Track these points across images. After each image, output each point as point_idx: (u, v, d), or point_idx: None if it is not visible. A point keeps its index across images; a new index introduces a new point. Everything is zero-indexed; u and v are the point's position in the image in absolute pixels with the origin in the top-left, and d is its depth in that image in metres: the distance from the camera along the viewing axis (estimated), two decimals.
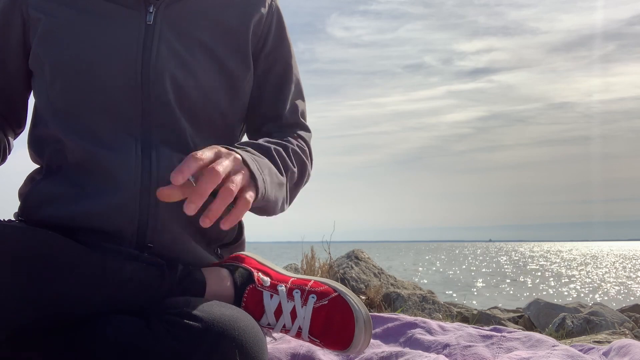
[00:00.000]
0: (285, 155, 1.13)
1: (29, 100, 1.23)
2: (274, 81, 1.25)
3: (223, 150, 0.93)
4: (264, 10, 1.22)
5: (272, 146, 1.11)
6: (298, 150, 1.19)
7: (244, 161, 0.95)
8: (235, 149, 0.96)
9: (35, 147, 1.15)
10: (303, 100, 1.30)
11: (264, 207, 1.05)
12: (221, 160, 0.89)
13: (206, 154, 0.89)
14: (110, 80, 1.07)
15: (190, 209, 0.82)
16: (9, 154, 1.26)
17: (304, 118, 1.29)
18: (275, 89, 1.25)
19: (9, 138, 1.25)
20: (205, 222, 0.84)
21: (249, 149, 1.03)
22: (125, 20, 1.09)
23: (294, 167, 1.15)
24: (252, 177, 0.94)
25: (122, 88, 1.07)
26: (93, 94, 1.07)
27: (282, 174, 1.08)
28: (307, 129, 1.28)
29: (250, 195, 0.92)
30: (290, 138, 1.21)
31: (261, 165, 0.99)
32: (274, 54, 1.24)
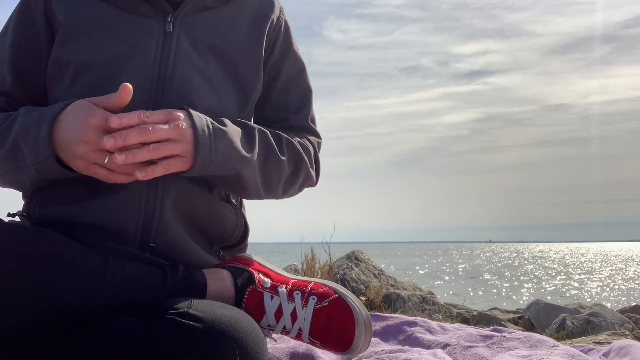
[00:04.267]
0: (273, 141, 1.14)
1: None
2: (280, 88, 1.28)
3: (178, 114, 0.99)
4: (273, 21, 1.26)
5: (259, 128, 1.13)
6: (296, 143, 1.20)
7: (195, 133, 0.99)
8: (192, 117, 1.01)
9: None
10: (312, 107, 1.32)
11: (231, 181, 1.08)
12: (161, 127, 0.95)
13: (154, 116, 0.96)
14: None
15: (108, 142, 0.91)
16: None
17: (314, 123, 1.32)
18: (281, 95, 1.28)
19: None
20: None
21: (220, 119, 1.06)
22: (144, 28, 1.12)
23: (281, 156, 1.16)
24: (194, 153, 0.99)
25: (137, 91, 1.08)
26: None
27: (249, 151, 1.09)
28: (316, 134, 1.31)
29: (174, 166, 0.98)
30: (294, 135, 1.23)
31: (216, 139, 1.02)
32: (280, 63, 1.27)
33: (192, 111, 1.02)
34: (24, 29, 1.15)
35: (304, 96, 1.31)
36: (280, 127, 1.25)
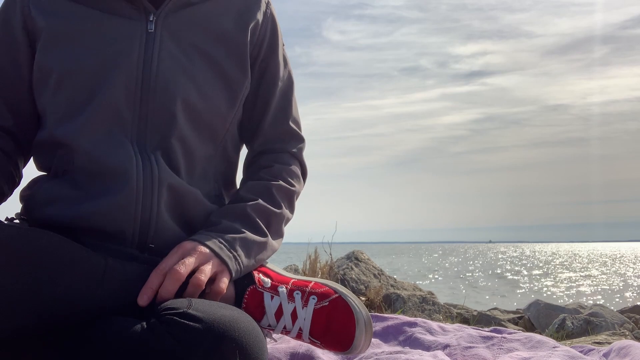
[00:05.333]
0: (269, 204, 1.16)
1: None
2: (265, 87, 1.26)
3: (187, 247, 1.01)
4: (259, 17, 1.23)
5: (250, 204, 1.14)
6: (284, 183, 1.21)
7: (212, 250, 1.02)
8: (201, 240, 1.03)
9: (42, 155, 1.16)
10: (295, 104, 1.31)
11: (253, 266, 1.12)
12: (184, 260, 0.99)
13: (168, 262, 0.99)
14: (113, 87, 1.08)
15: (143, 301, 0.95)
16: (17, 184, 1.20)
17: (295, 124, 1.30)
18: (267, 95, 1.26)
19: (19, 166, 1.21)
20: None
21: (224, 222, 1.09)
22: (126, 30, 1.11)
23: (280, 208, 1.18)
24: (223, 263, 1.03)
25: (123, 94, 1.09)
26: (97, 100, 1.08)
27: (262, 234, 1.13)
28: (297, 138, 1.29)
29: (224, 282, 1.01)
30: (277, 166, 1.23)
31: (232, 245, 1.06)
32: (266, 60, 1.25)
33: (196, 236, 1.05)
34: (4, 51, 1.15)
35: (287, 97, 1.29)
36: (263, 140, 1.26)
